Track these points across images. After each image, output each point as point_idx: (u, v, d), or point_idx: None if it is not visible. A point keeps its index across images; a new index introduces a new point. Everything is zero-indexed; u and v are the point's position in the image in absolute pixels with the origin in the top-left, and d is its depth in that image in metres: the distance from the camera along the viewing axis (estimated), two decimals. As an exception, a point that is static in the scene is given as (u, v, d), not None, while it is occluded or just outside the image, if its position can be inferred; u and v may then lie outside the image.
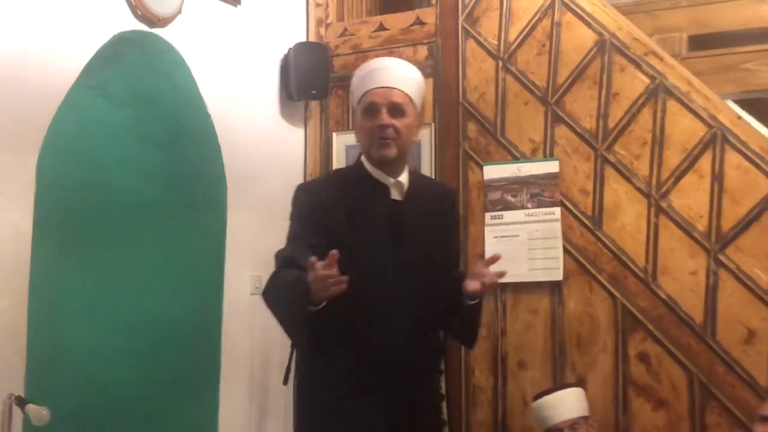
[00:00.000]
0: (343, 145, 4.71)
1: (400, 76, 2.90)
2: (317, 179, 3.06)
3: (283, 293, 2.70)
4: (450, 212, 3.12)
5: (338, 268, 2.49)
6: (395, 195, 2.88)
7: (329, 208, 2.80)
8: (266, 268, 4.29)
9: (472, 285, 2.78)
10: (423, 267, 2.86)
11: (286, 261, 2.77)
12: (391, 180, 2.88)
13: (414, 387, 2.86)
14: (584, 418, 3.68)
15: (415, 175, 3.03)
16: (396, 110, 2.83)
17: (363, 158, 2.92)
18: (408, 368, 2.82)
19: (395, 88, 2.85)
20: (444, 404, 4.28)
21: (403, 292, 2.81)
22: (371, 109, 2.83)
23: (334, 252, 2.47)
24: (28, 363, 3.23)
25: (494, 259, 2.83)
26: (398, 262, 2.82)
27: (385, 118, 2.81)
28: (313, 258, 2.47)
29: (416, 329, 2.86)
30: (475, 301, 2.87)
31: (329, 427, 2.80)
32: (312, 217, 2.80)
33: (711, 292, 3.82)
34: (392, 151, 2.82)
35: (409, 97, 2.87)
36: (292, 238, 2.85)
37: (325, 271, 2.46)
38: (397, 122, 2.82)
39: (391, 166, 2.87)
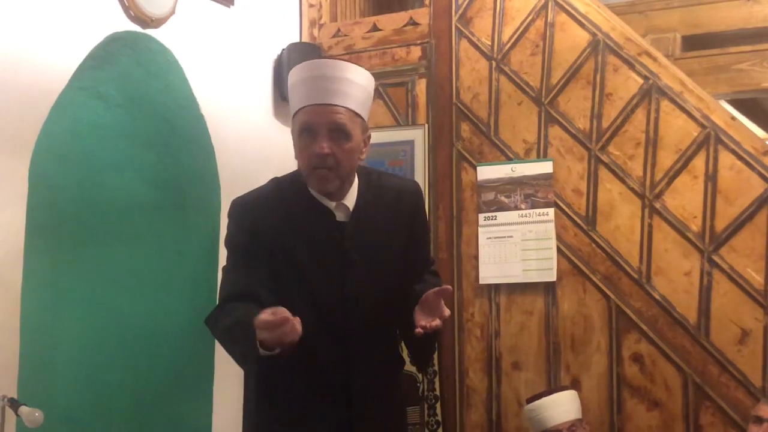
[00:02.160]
0: (336, 146, 4.70)
1: (343, 87, 2.47)
2: (255, 196, 2.61)
3: (230, 334, 2.42)
4: (412, 213, 2.69)
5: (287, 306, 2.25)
6: (341, 217, 2.55)
7: (270, 235, 2.50)
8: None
9: (418, 327, 2.39)
10: (374, 293, 2.56)
11: (237, 292, 2.48)
12: (333, 204, 2.55)
13: (372, 410, 2.59)
14: (579, 420, 3.69)
15: (371, 181, 2.66)
16: (338, 133, 2.46)
17: None
18: (364, 394, 2.57)
19: (338, 106, 2.45)
20: (438, 405, 4.31)
21: (352, 323, 2.54)
22: (308, 131, 2.46)
23: (280, 309, 2.19)
24: (21, 364, 3.21)
25: (446, 292, 2.43)
26: (346, 292, 2.53)
27: (325, 145, 2.43)
28: (259, 317, 2.19)
29: (370, 357, 2.59)
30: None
31: None
32: (253, 243, 2.50)
33: (705, 293, 3.83)
34: (332, 185, 2.49)
35: (355, 113, 2.49)
36: (238, 263, 2.53)
37: (274, 323, 2.18)
38: (339, 148, 2.45)
39: (333, 194, 2.54)
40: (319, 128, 2.45)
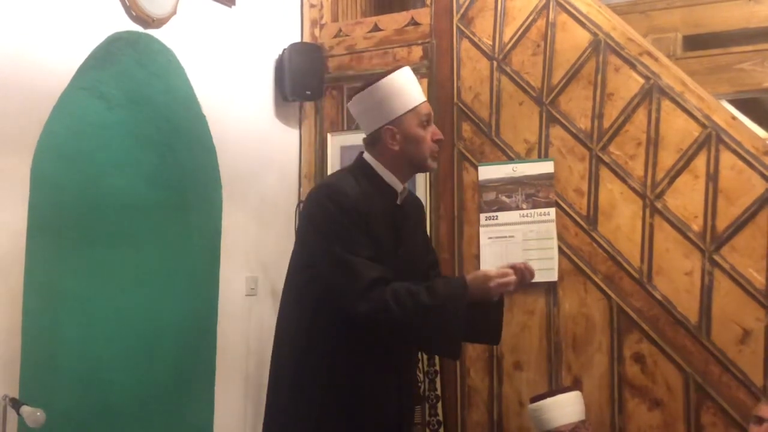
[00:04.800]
0: (337, 146, 4.70)
1: None
2: (342, 181, 2.85)
3: (436, 307, 2.66)
4: (424, 219, 3.21)
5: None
6: (399, 200, 2.89)
7: (361, 206, 2.76)
8: (261, 269, 4.34)
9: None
10: (417, 266, 2.93)
11: (382, 277, 2.70)
12: (401, 186, 2.89)
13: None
14: (582, 422, 3.69)
15: None
16: None
17: (373, 161, 2.87)
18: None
19: None
20: (439, 405, 4.30)
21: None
22: (429, 121, 2.88)
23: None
24: (22, 364, 3.22)
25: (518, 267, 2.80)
26: (398, 263, 2.81)
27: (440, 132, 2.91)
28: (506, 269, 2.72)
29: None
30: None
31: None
32: (355, 226, 2.74)
33: (706, 293, 3.83)
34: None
35: None
36: (358, 242, 2.73)
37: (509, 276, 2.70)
38: None
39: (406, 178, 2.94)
40: (431, 120, 2.90)
